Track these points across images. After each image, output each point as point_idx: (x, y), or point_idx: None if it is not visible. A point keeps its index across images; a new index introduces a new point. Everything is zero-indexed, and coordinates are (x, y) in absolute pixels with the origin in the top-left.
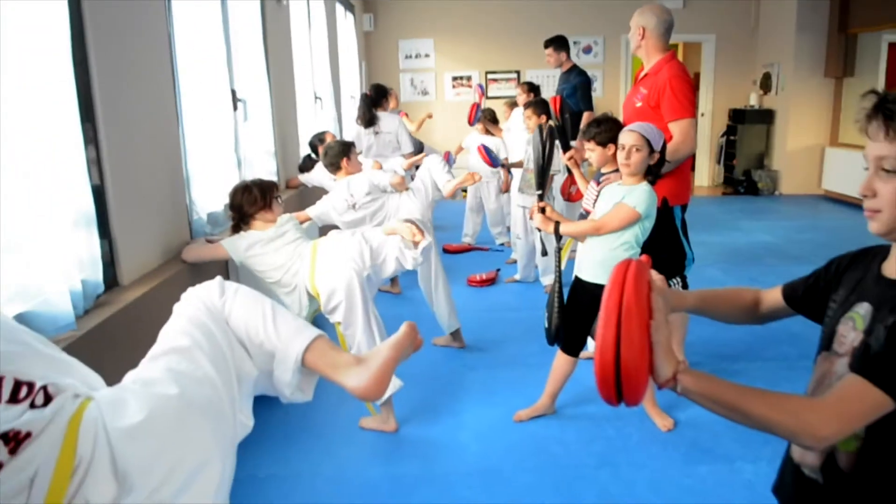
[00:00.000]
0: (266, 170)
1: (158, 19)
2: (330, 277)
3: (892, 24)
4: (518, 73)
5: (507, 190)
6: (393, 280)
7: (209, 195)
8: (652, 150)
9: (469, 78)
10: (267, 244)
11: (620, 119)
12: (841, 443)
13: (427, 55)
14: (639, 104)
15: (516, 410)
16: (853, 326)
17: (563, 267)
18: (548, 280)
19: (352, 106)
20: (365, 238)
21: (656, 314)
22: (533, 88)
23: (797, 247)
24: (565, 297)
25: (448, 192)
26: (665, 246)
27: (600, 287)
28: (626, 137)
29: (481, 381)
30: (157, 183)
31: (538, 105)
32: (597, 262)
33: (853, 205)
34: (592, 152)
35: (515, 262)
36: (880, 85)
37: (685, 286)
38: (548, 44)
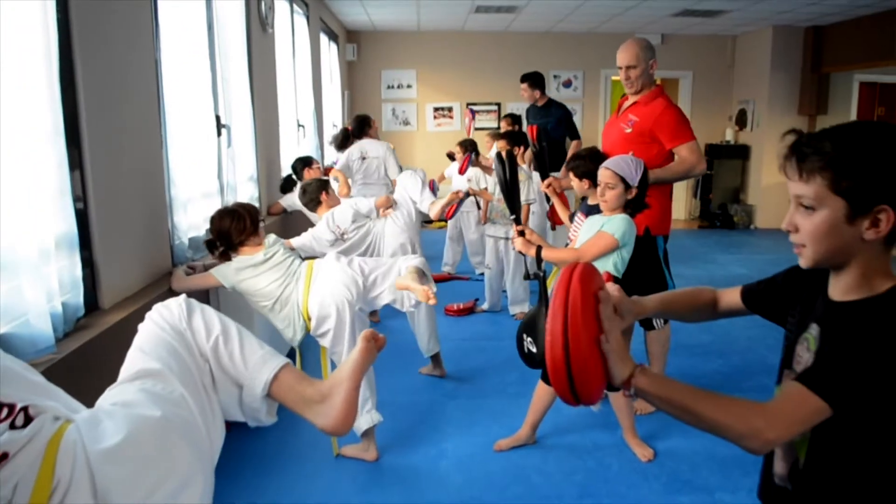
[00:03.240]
0: (248, 196)
1: (146, 43)
2: (323, 303)
3: (863, 64)
4: (499, 105)
5: (485, 220)
6: None
7: (191, 220)
8: (628, 186)
9: (450, 109)
10: (258, 267)
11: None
12: (800, 450)
13: (409, 86)
14: (628, 130)
15: (497, 440)
16: (807, 347)
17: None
18: (517, 309)
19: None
20: (362, 269)
21: (605, 315)
22: (516, 121)
23: None
24: None
25: (434, 213)
26: (647, 275)
27: None
28: (602, 175)
29: (462, 410)
30: (140, 207)
31: (510, 136)
32: None
33: None
34: (572, 183)
35: None
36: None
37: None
38: (524, 79)
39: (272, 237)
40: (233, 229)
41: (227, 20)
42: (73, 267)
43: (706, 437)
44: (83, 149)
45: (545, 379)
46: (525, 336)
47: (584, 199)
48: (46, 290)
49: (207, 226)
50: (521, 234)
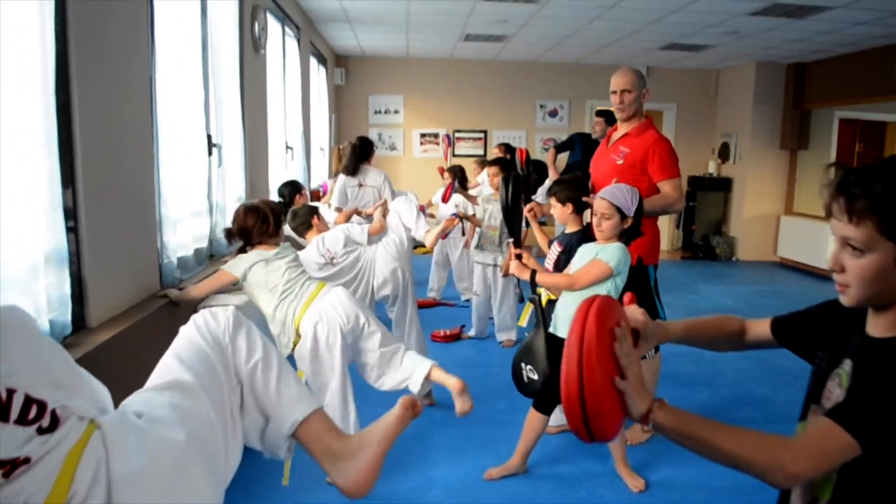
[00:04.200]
0: None
1: (142, 60)
2: (317, 323)
3: (844, 100)
4: (485, 132)
5: (468, 245)
6: None
7: (180, 239)
8: (623, 216)
9: (436, 135)
10: (269, 263)
11: (588, 178)
12: (820, 491)
13: (396, 111)
14: (620, 161)
15: (487, 468)
16: (839, 383)
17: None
18: (504, 336)
19: (321, 158)
20: (369, 321)
21: (622, 353)
22: (510, 150)
23: (757, 311)
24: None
25: (430, 242)
26: (639, 305)
27: None
28: (598, 205)
29: (451, 439)
30: (130, 224)
31: (502, 163)
32: (571, 318)
33: (807, 272)
34: (554, 208)
35: None
36: (832, 158)
37: (657, 347)
38: (601, 114)
39: (288, 245)
40: (255, 229)
41: (222, 40)
42: (62, 283)
43: (698, 468)
44: (76, 163)
45: (538, 407)
46: (523, 364)
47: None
48: (34, 307)
49: (196, 246)
50: (518, 257)
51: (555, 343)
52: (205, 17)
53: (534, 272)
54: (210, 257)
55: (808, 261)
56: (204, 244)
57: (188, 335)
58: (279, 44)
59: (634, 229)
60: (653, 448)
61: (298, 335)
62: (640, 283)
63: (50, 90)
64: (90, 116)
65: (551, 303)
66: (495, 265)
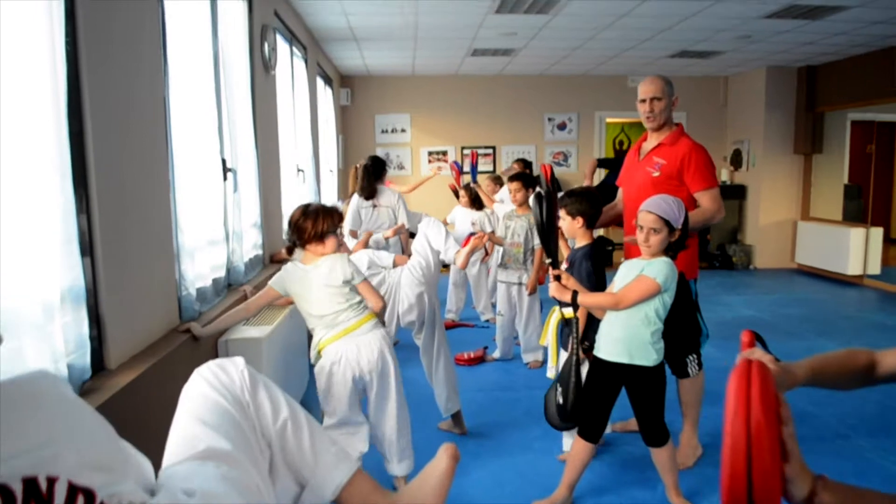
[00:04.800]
0: (251, 243)
1: (156, 83)
2: (335, 357)
3: (856, 102)
4: (494, 148)
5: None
6: None
7: (198, 269)
8: (672, 230)
9: (445, 152)
10: (304, 278)
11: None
12: None
13: (403, 130)
14: (656, 174)
15: (531, 501)
16: None
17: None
18: (531, 357)
19: (331, 179)
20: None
21: (788, 436)
22: (527, 165)
23: (784, 321)
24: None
25: (461, 262)
26: (682, 321)
27: (620, 366)
28: (644, 219)
29: (488, 471)
30: (147, 256)
31: (524, 178)
32: (616, 339)
33: (826, 277)
34: (563, 221)
35: None
36: (845, 161)
37: (700, 364)
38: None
39: (338, 261)
40: (299, 227)
41: (233, 60)
42: (80, 324)
43: None
44: (91, 192)
45: (584, 435)
46: (557, 388)
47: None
48: (51, 351)
49: (214, 276)
50: (558, 278)
51: (599, 367)
52: (216, 37)
53: (575, 293)
54: (228, 286)
55: (827, 266)
56: (221, 273)
57: (202, 393)
58: (287, 64)
59: (681, 242)
60: (702, 472)
61: (320, 355)
62: (684, 298)
63: (62, 116)
64: (104, 142)
65: (566, 322)
66: (520, 283)
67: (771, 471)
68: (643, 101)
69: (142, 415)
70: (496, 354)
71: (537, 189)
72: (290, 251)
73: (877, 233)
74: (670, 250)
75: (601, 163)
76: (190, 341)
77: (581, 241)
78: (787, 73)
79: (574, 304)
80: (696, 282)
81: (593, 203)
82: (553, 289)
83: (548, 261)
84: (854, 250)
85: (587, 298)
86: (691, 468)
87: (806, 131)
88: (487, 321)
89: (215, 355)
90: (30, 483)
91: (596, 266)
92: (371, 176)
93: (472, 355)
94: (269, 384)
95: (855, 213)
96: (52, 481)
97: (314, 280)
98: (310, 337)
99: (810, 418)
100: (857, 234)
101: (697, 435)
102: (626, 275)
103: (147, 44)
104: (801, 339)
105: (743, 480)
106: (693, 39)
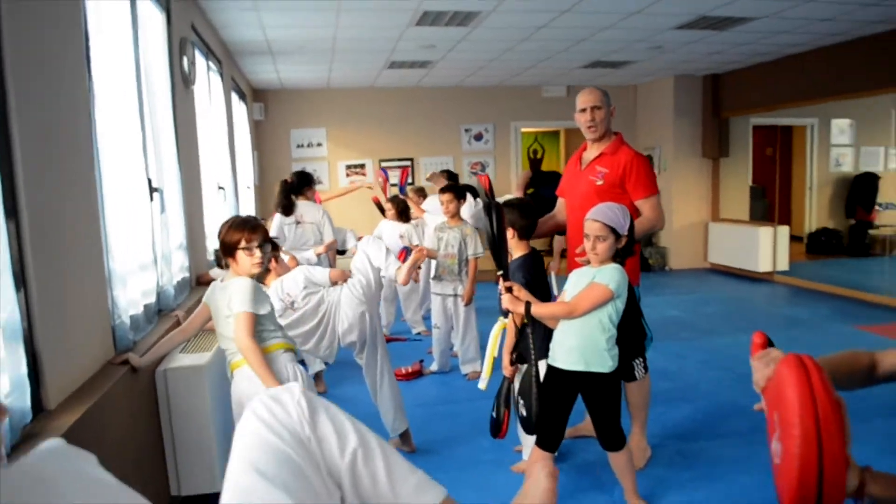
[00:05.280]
0: (178, 265)
1: (82, 101)
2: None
3: (758, 108)
4: (412, 160)
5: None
6: (317, 376)
7: (130, 296)
8: (618, 236)
9: (363, 166)
10: (210, 301)
11: (560, 202)
12: None
13: (319, 144)
14: (600, 182)
15: None
16: None
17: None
18: (469, 368)
19: (248, 196)
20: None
21: (847, 422)
22: (451, 176)
23: (705, 319)
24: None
25: (402, 279)
26: (627, 325)
27: (577, 375)
28: (590, 227)
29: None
30: (81, 284)
31: (456, 189)
32: (571, 347)
33: (738, 275)
34: None
35: None
36: (749, 163)
37: (646, 367)
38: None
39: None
40: (226, 239)
41: (154, 75)
42: (18, 362)
43: (708, 491)
44: (21, 220)
45: (542, 445)
46: (519, 400)
47: None
48: None
49: (145, 301)
50: (509, 290)
51: (555, 376)
52: (137, 50)
53: (528, 304)
54: (158, 312)
55: (739, 264)
56: (152, 299)
57: (257, 433)
58: (205, 79)
59: (628, 248)
60: (653, 473)
61: (233, 375)
62: (630, 303)
63: None
64: (33, 164)
65: (522, 334)
66: (455, 295)
67: (840, 457)
68: (583, 110)
69: None
70: (433, 367)
71: (478, 200)
72: (219, 264)
73: (783, 231)
74: (618, 257)
75: (532, 179)
76: (128, 374)
77: (517, 252)
78: (693, 81)
79: (528, 316)
80: (639, 287)
81: (526, 214)
82: (506, 301)
83: (499, 272)
84: (763, 248)
85: (540, 309)
86: (642, 469)
87: (713, 136)
88: (419, 334)
89: (153, 388)
90: None
91: (534, 276)
92: (288, 191)
93: (409, 370)
94: (332, 409)
95: (761, 212)
96: None
97: (219, 301)
98: None
99: (746, 411)
100: (765, 232)
101: (646, 437)
102: (577, 283)
103: (71, 60)
104: (723, 336)
105: (814, 469)
106: (607, 50)
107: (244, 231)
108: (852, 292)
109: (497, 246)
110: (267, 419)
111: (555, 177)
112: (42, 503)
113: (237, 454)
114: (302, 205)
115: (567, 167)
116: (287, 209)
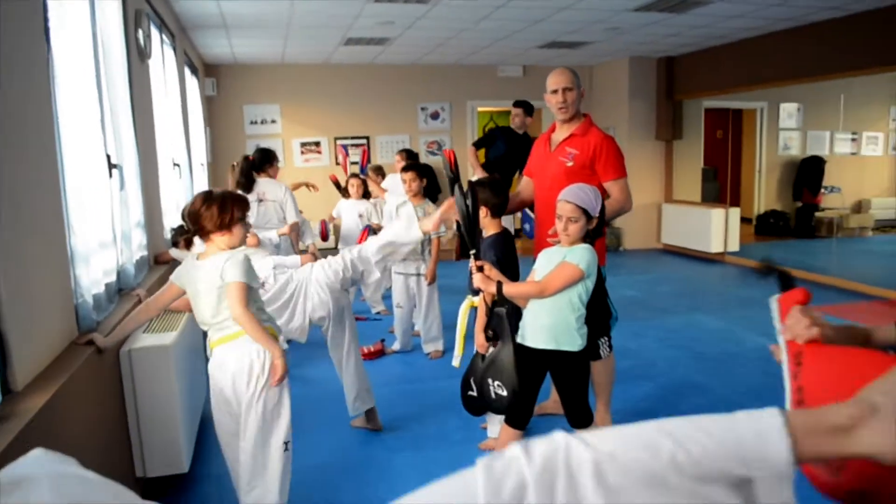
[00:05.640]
0: (136, 244)
1: (41, 74)
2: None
3: (710, 91)
4: (367, 138)
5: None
6: None
7: (92, 275)
8: (590, 218)
9: (318, 143)
10: (190, 279)
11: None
12: None
13: (273, 121)
14: (570, 164)
15: None
16: None
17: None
18: (432, 347)
19: (202, 174)
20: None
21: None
22: (411, 156)
23: (659, 298)
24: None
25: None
26: (594, 305)
27: (547, 353)
28: (563, 208)
29: (411, 465)
30: (43, 263)
31: (419, 168)
32: (542, 326)
33: (690, 256)
34: None
35: None
36: (701, 146)
37: (610, 346)
38: (519, 104)
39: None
40: (202, 212)
41: (110, 48)
42: None
43: None
44: None
45: (511, 422)
46: (490, 379)
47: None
48: None
49: (107, 281)
50: (481, 269)
51: (524, 355)
52: (94, 21)
53: (499, 283)
54: (119, 291)
55: (691, 245)
56: (112, 278)
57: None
58: (159, 53)
59: (598, 229)
60: None
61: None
62: (597, 284)
63: None
64: None
65: (475, 309)
66: (418, 274)
67: None
68: (555, 91)
69: (61, 441)
70: (395, 346)
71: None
72: (189, 244)
73: (735, 213)
74: (588, 237)
75: (477, 145)
76: (93, 355)
77: (489, 231)
78: (647, 63)
79: (500, 296)
80: (605, 268)
81: (498, 191)
82: (477, 280)
83: (471, 252)
84: (715, 230)
85: (512, 289)
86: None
87: (666, 118)
88: (378, 313)
89: (118, 369)
90: None
91: (505, 255)
92: (249, 168)
93: (371, 349)
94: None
95: (713, 194)
96: None
97: (201, 277)
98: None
99: (703, 389)
100: (717, 214)
101: (610, 413)
102: (548, 263)
103: (31, 32)
104: (677, 315)
105: None
106: (564, 31)
107: (242, 203)
108: (800, 273)
109: (470, 224)
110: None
111: (491, 136)
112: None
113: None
114: (263, 182)
115: (535, 147)
116: (247, 187)
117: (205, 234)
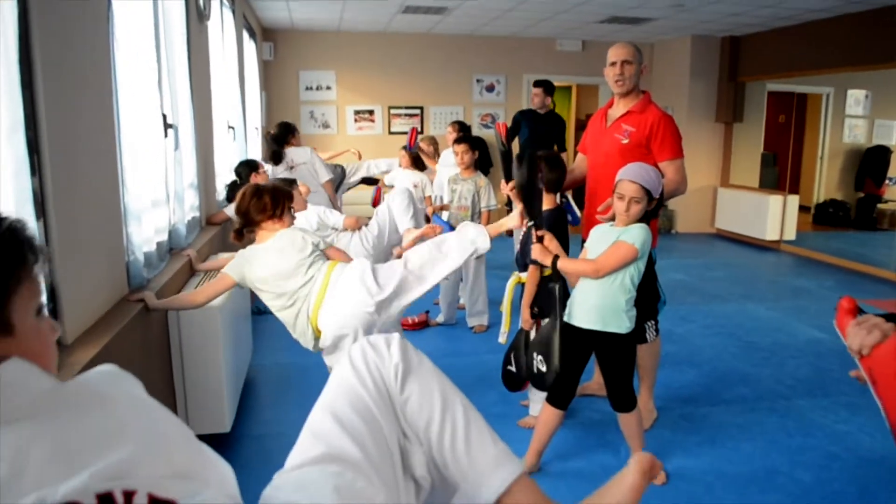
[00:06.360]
0: (189, 204)
1: (101, 33)
2: (339, 322)
3: (775, 74)
4: (421, 108)
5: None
6: None
7: (144, 233)
8: (651, 199)
9: (371, 112)
10: (267, 253)
11: (578, 157)
12: None
13: (328, 87)
14: (625, 141)
15: None
16: None
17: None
18: (476, 321)
19: (256, 138)
20: (381, 283)
21: None
22: (464, 128)
23: (710, 284)
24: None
25: (406, 244)
26: (642, 288)
27: (593, 333)
28: (626, 188)
29: None
30: (97, 218)
31: (471, 140)
32: (592, 306)
33: (745, 242)
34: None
35: None
36: (762, 130)
37: (657, 330)
38: (539, 84)
39: (297, 231)
40: (252, 207)
41: (170, 8)
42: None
43: (710, 454)
44: (42, 151)
45: (553, 402)
46: (535, 354)
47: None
48: None
49: (157, 239)
50: (540, 239)
51: (571, 334)
52: None
53: (556, 258)
54: (170, 250)
55: (746, 231)
56: (164, 237)
57: (345, 379)
58: (217, 14)
59: (655, 210)
60: (659, 434)
61: (319, 332)
62: (647, 266)
63: (13, 70)
64: (55, 97)
65: (548, 287)
66: None
67: None
68: (613, 63)
69: None
70: (440, 319)
71: (501, 150)
72: (239, 235)
73: (793, 200)
74: (643, 218)
75: (510, 134)
76: (142, 312)
77: (545, 206)
78: (710, 42)
79: (554, 270)
80: (656, 250)
81: (554, 166)
82: (535, 250)
83: (530, 222)
84: (772, 217)
85: (567, 264)
86: (648, 430)
87: (727, 100)
88: None
89: (166, 329)
90: (105, 499)
91: (556, 232)
92: (272, 143)
93: (415, 320)
94: (425, 371)
95: (771, 180)
96: (129, 495)
97: (279, 252)
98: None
99: (750, 379)
100: (775, 200)
101: (653, 398)
102: (600, 241)
103: None
104: (728, 302)
105: None
106: (627, 5)
107: (290, 194)
108: (858, 265)
109: (530, 195)
110: (359, 366)
111: (515, 123)
112: (100, 416)
113: (322, 397)
114: (290, 151)
115: (591, 123)
116: (276, 157)
117: (258, 223)
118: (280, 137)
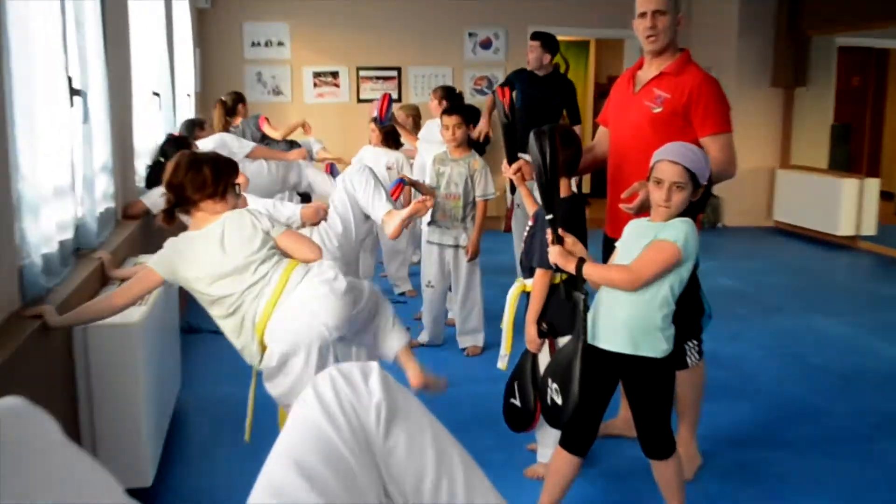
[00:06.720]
0: (101, 192)
1: None
2: (291, 336)
3: (848, 27)
4: (399, 70)
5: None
6: None
7: (43, 230)
8: (697, 186)
9: (335, 74)
10: (207, 240)
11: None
12: None
13: (280, 43)
14: (658, 110)
15: None
16: None
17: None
18: (470, 342)
19: (188, 105)
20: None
21: None
22: (452, 96)
23: (767, 293)
24: None
25: (392, 231)
26: (684, 299)
27: (623, 358)
28: (667, 171)
29: None
30: None
31: (464, 111)
32: (621, 324)
33: (812, 239)
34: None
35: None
36: (832, 96)
37: (700, 351)
38: (536, 37)
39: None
40: (189, 182)
41: None
42: None
43: None
44: None
45: (568, 445)
46: (549, 381)
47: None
48: None
49: (60, 237)
50: (560, 241)
51: (595, 358)
52: None
53: (580, 262)
54: (76, 252)
55: (813, 225)
56: (69, 235)
57: (310, 420)
58: None
59: (702, 201)
60: (704, 487)
61: (264, 347)
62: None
63: None
64: None
65: (527, 294)
66: (457, 246)
67: None
68: (643, 14)
69: None
70: (423, 338)
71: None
72: (170, 217)
73: (873, 185)
74: (688, 211)
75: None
76: (38, 332)
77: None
78: None
79: (578, 277)
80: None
81: (568, 142)
82: (554, 253)
83: (548, 217)
84: (846, 206)
85: (595, 271)
86: (690, 482)
87: (787, 60)
88: (403, 294)
89: (70, 352)
90: None
91: (572, 224)
92: (224, 112)
93: None
94: (414, 414)
95: (844, 160)
96: None
97: (220, 243)
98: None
99: (820, 414)
100: (849, 186)
101: (696, 440)
102: (636, 241)
103: None
104: (790, 315)
105: None
106: None
107: (233, 168)
108: None
109: (549, 181)
110: (329, 403)
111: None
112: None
113: (281, 442)
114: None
115: (615, 87)
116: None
117: (194, 203)
118: (232, 108)
